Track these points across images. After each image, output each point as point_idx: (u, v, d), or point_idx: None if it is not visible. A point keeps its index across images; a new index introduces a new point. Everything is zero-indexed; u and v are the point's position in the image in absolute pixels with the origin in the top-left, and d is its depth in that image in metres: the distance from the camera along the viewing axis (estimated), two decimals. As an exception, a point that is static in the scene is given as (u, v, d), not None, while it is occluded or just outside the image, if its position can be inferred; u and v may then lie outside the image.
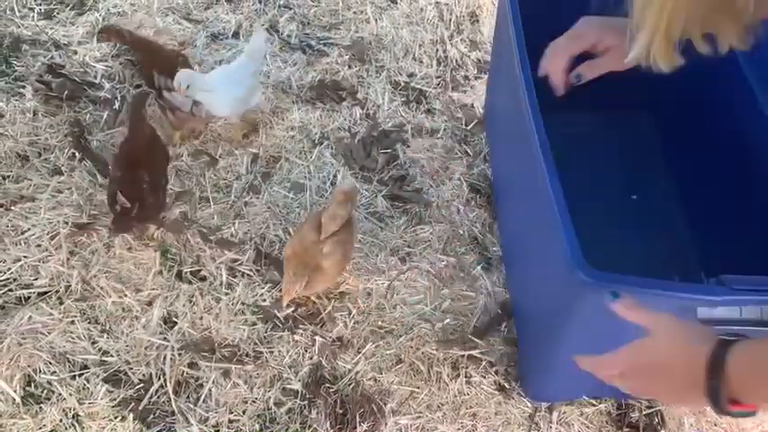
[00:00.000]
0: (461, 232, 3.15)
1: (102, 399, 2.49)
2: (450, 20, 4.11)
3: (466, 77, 3.86)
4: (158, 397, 2.53)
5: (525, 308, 2.71)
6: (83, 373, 2.55)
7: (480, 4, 4.20)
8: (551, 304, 2.24)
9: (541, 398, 2.67)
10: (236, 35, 3.84)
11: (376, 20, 4.03)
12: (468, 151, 3.50)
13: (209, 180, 3.17)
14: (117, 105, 3.39)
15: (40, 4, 3.84)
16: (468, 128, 3.60)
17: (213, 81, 3.06)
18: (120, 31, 3.33)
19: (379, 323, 2.81)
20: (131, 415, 2.47)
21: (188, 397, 2.55)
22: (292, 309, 2.79)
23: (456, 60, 3.92)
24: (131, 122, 2.90)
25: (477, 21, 4.14)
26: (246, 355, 2.66)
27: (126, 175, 2.78)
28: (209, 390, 2.56)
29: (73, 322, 2.66)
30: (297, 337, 2.72)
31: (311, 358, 2.68)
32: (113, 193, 2.74)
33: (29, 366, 2.53)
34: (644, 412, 2.67)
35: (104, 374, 2.56)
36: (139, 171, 2.78)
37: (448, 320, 2.85)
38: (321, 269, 2.64)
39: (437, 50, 3.95)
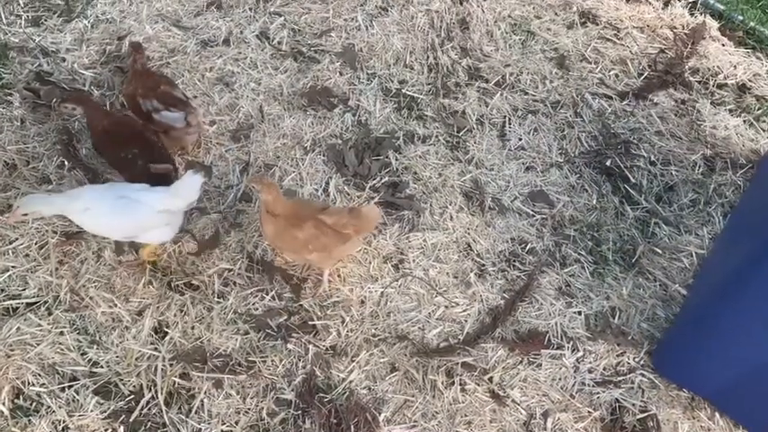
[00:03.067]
0: (455, 239, 3.15)
1: (92, 411, 2.45)
2: (441, 27, 4.12)
3: (457, 84, 3.86)
4: (149, 408, 2.49)
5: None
6: (72, 385, 2.51)
7: (470, 12, 4.21)
8: None
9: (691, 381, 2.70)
10: (226, 42, 3.82)
11: (367, 27, 4.03)
12: (461, 158, 3.50)
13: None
14: (106, 113, 3.36)
15: (28, 11, 3.80)
16: (460, 134, 3.61)
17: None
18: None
19: (373, 331, 2.80)
20: (122, 427, 2.43)
21: (180, 408, 2.51)
22: (285, 317, 2.77)
23: (447, 67, 3.92)
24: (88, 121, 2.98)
25: (468, 28, 4.15)
26: (239, 365, 2.63)
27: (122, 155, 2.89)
28: (202, 401, 2.53)
29: (62, 333, 2.62)
30: (290, 347, 2.70)
31: (305, 367, 2.66)
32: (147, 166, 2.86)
33: (17, 378, 2.49)
34: (638, 416, 2.68)
35: (94, 386, 2.52)
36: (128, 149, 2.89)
37: (442, 328, 2.84)
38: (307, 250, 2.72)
39: (428, 57, 3.95)
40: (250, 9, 4.02)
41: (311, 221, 2.68)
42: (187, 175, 2.68)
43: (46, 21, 3.78)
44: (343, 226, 2.69)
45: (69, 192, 2.69)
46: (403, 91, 3.76)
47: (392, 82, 3.79)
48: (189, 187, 2.67)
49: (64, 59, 3.59)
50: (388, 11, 4.15)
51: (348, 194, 3.23)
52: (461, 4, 4.27)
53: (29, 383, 2.48)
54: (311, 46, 3.89)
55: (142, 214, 2.61)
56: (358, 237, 2.78)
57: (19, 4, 3.82)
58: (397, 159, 3.42)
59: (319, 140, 3.44)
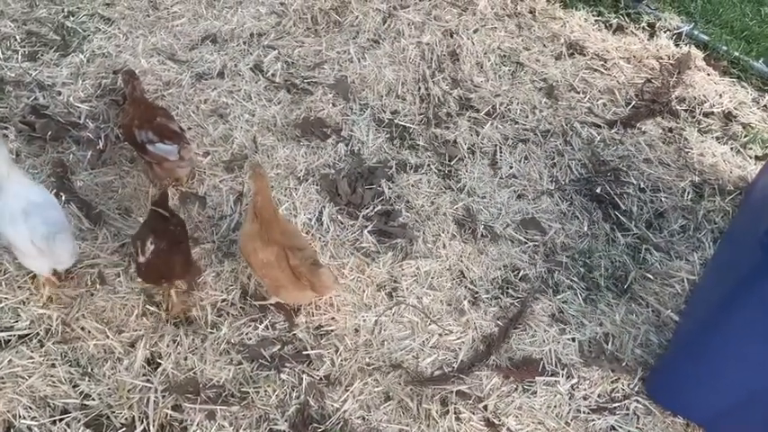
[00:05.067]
0: (448, 267, 3.16)
1: (83, 444, 2.42)
2: (432, 59, 4.20)
3: (448, 114, 3.92)
4: (141, 441, 2.47)
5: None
6: (63, 418, 2.48)
7: (460, 44, 4.30)
8: None
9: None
10: (220, 75, 3.88)
11: (359, 59, 4.10)
12: (453, 186, 3.54)
13: (194, 219, 3.16)
14: (101, 145, 3.39)
15: (25, 47, 3.86)
16: (452, 163, 3.65)
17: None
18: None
19: (367, 360, 2.79)
20: (113, 460, 2.41)
21: (172, 440, 2.49)
22: (278, 347, 2.76)
23: (438, 98, 3.99)
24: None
25: (458, 60, 4.24)
26: (232, 396, 2.61)
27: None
28: (194, 432, 2.50)
29: (54, 365, 2.60)
30: (283, 377, 2.68)
31: (298, 397, 2.64)
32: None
33: (8, 412, 2.46)
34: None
35: (85, 419, 2.49)
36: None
37: (436, 356, 2.84)
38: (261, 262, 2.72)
39: (419, 88, 4.02)
40: (244, 43, 4.10)
41: (277, 248, 2.66)
42: (64, 238, 2.60)
43: (42, 56, 3.83)
44: (300, 273, 2.67)
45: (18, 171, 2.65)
46: (395, 121, 3.81)
47: (384, 112, 3.85)
48: (60, 250, 2.60)
49: (60, 93, 3.63)
50: (379, 44, 4.24)
51: (341, 223, 3.26)
52: (451, 36, 4.37)
53: (20, 417, 2.46)
54: (304, 78, 3.95)
55: (13, 234, 2.57)
56: (311, 292, 2.74)
57: (16, 40, 3.88)
58: (389, 188, 3.45)
59: (312, 170, 3.47)
